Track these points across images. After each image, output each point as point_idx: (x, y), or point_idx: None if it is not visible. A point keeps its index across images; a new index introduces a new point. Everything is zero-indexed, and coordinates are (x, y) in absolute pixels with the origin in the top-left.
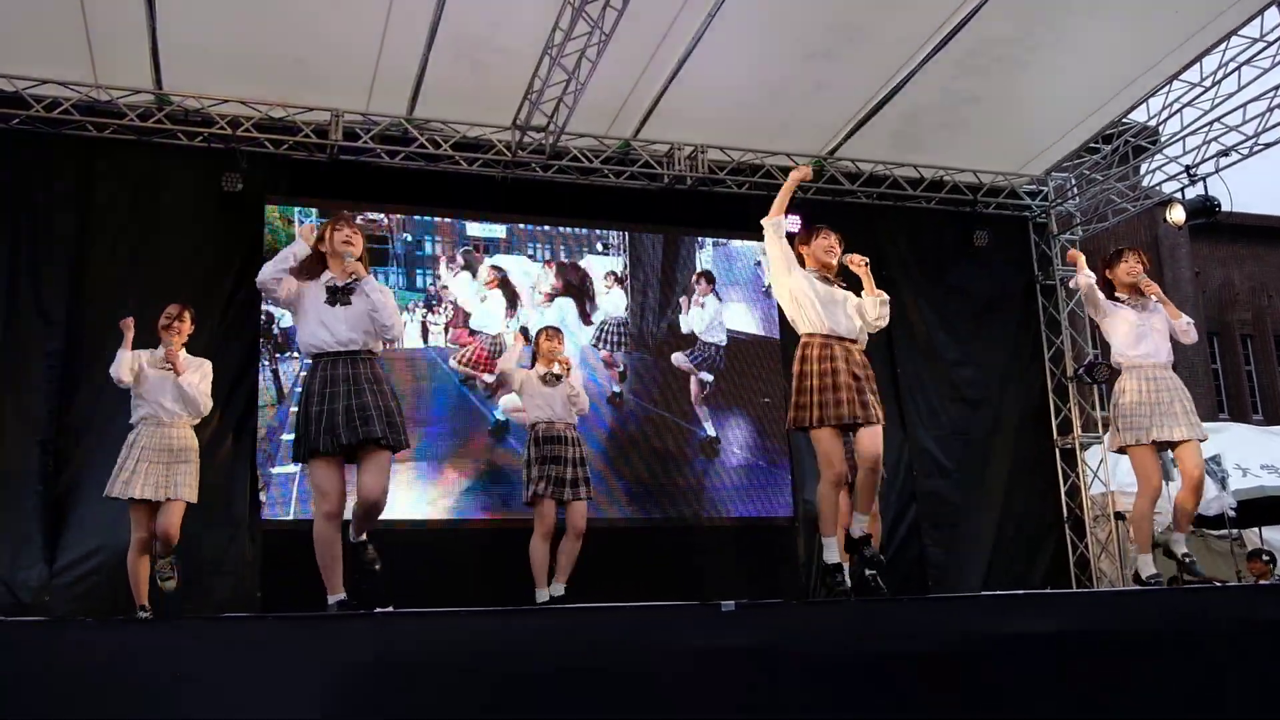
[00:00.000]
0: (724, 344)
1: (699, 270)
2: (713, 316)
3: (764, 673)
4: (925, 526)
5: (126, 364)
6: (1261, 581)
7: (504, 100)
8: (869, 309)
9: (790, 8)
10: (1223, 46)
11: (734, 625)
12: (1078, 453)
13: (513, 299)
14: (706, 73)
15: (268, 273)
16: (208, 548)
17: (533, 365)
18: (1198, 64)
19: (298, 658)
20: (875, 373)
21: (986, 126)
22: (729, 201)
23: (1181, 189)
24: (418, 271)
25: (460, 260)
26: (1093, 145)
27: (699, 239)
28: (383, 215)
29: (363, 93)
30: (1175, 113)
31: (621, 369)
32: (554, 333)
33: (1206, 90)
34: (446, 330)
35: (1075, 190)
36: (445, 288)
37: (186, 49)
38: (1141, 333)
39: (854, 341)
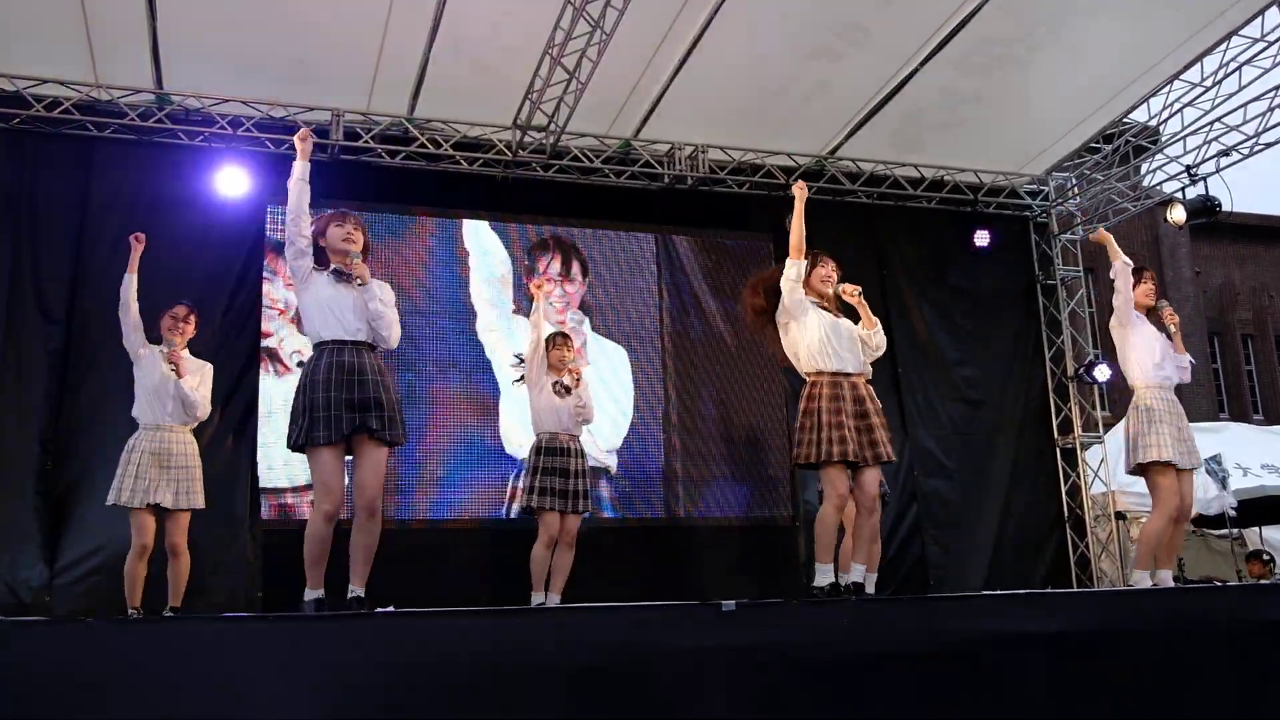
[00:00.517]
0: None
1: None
2: None
3: (765, 672)
4: (926, 526)
5: (132, 287)
6: (1262, 582)
7: (505, 100)
8: (869, 340)
9: (791, 7)
10: (1223, 46)
11: (735, 625)
12: (1078, 452)
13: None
14: (707, 72)
15: (299, 202)
16: (208, 548)
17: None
18: (1198, 64)
19: (298, 658)
20: (877, 373)
21: (987, 126)
22: (730, 201)
23: (1182, 189)
24: None
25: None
26: (1093, 145)
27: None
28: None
29: (363, 92)
30: (1176, 112)
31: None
32: (564, 340)
33: (1207, 90)
34: None
35: (1076, 190)
36: None
37: (187, 48)
38: (1164, 354)
39: (860, 375)
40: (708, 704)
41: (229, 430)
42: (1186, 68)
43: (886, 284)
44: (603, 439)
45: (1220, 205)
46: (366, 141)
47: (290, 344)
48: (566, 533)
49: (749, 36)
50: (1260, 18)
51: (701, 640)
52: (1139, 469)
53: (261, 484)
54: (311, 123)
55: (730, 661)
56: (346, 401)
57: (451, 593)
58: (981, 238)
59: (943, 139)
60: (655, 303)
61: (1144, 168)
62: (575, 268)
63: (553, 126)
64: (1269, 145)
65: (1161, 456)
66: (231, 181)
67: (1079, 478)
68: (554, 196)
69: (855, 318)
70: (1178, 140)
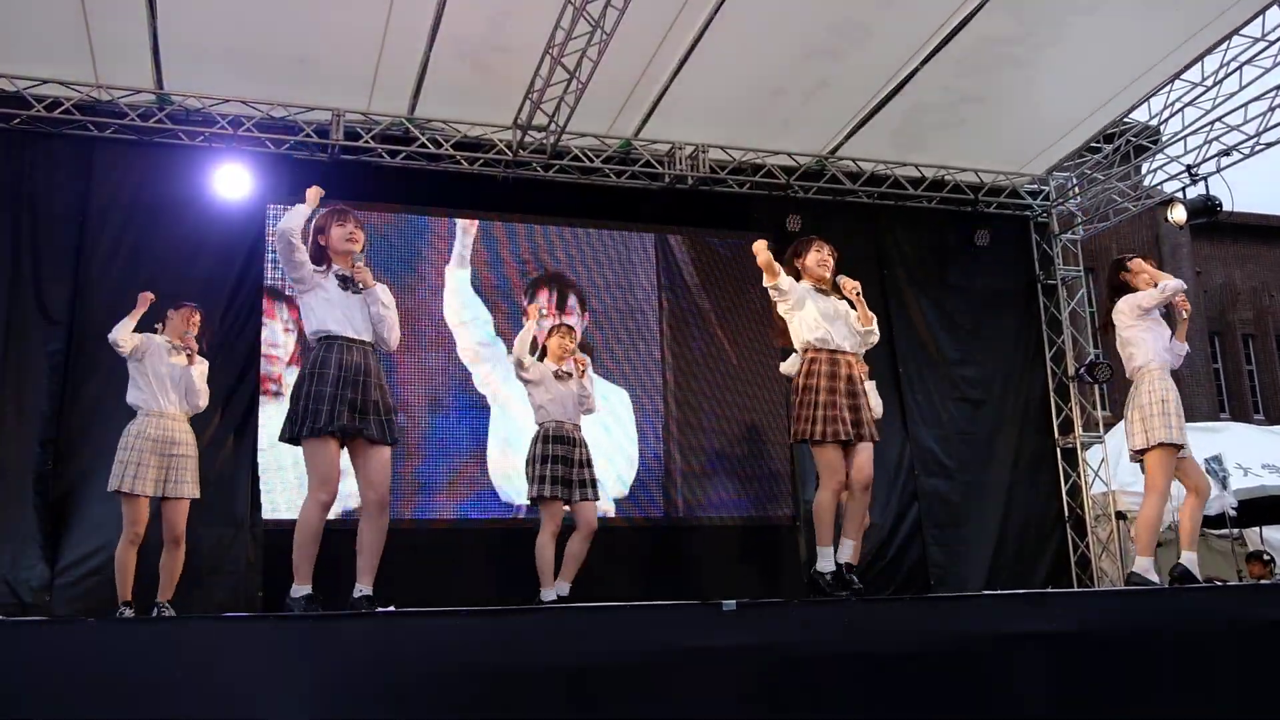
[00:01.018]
0: None
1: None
2: None
3: (765, 672)
4: (927, 526)
5: (128, 330)
6: (1262, 582)
7: (505, 100)
8: (863, 336)
9: (791, 7)
10: (1224, 46)
11: (735, 624)
12: (1079, 452)
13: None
14: (707, 72)
15: (294, 222)
16: (209, 547)
17: (541, 359)
18: (1199, 63)
19: (299, 658)
20: (877, 372)
21: (988, 126)
22: (730, 201)
23: (1183, 188)
24: None
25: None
26: (1094, 145)
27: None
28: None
29: (364, 92)
30: (1176, 112)
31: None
32: (567, 330)
33: (1208, 90)
34: None
35: (1076, 189)
36: None
37: (187, 48)
38: (1168, 340)
39: (854, 355)
40: (708, 703)
41: (229, 430)
42: (1187, 67)
43: (887, 283)
44: (609, 487)
45: (1221, 205)
46: (367, 141)
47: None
48: (586, 523)
49: (749, 36)
50: (1261, 17)
51: (702, 640)
52: (1141, 451)
53: (264, 514)
54: (312, 122)
55: (731, 661)
56: (350, 401)
57: (456, 593)
58: (982, 237)
59: (943, 138)
60: (655, 301)
61: (1145, 167)
62: (573, 302)
63: (553, 126)
64: (1270, 145)
65: (1165, 438)
66: (232, 181)
67: (1079, 477)
68: (554, 196)
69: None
70: (1178, 140)
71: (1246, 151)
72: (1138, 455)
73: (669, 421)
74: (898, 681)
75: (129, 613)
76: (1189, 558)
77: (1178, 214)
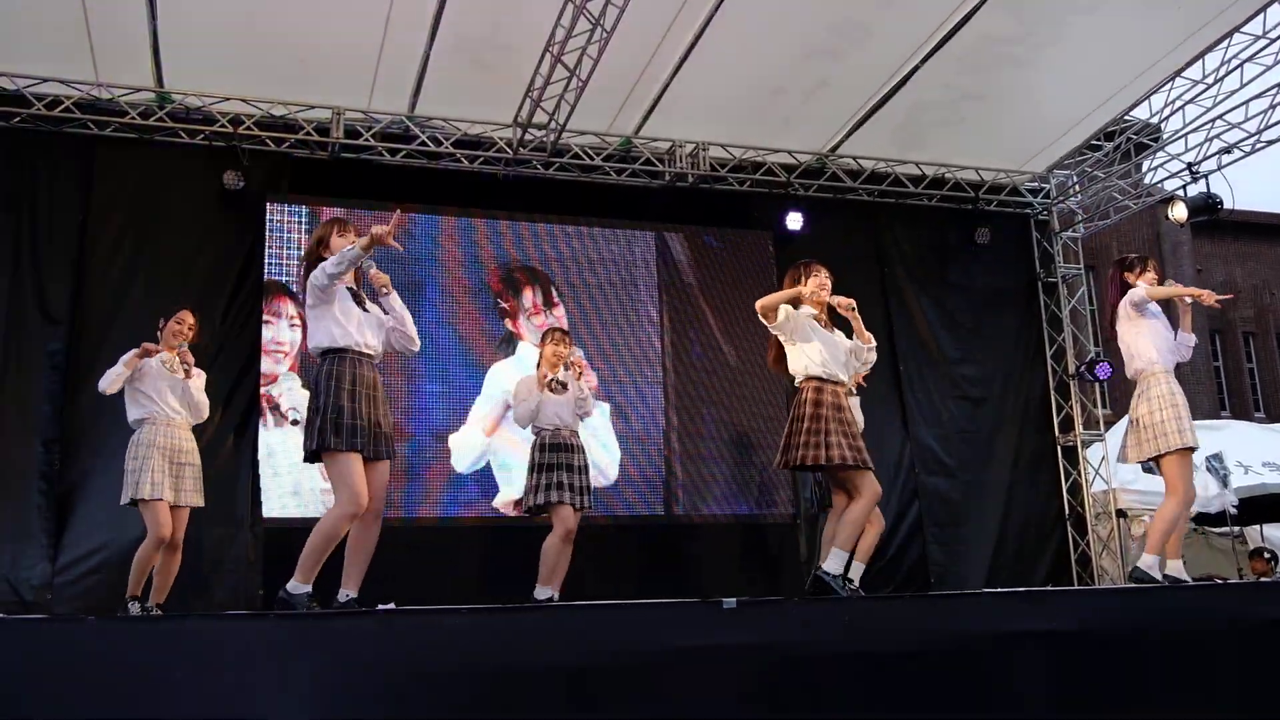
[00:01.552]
0: None
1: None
2: None
3: (765, 670)
4: (927, 524)
5: (119, 380)
6: (1263, 580)
7: (505, 98)
8: (860, 353)
9: (791, 6)
10: (1225, 43)
11: (736, 622)
12: (1079, 450)
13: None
14: (708, 70)
15: (333, 272)
16: (209, 546)
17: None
18: (1200, 61)
19: (300, 656)
20: (878, 371)
21: (988, 124)
22: (730, 199)
23: (1183, 186)
24: None
25: None
26: (1095, 142)
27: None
28: None
29: (364, 90)
30: (1177, 110)
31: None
32: (562, 335)
33: (1209, 87)
34: None
35: (1077, 187)
36: None
37: (187, 47)
38: (1173, 341)
39: (842, 385)
40: (709, 702)
41: (230, 429)
42: (1188, 65)
43: (887, 281)
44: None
45: (1222, 203)
46: (367, 140)
47: (292, 399)
48: (568, 526)
49: (750, 34)
50: (1262, 15)
51: (702, 638)
52: (1157, 456)
53: (264, 512)
54: (312, 120)
55: (731, 659)
56: (366, 417)
57: (449, 592)
58: (982, 235)
59: (944, 136)
60: (655, 299)
61: (1145, 165)
62: (552, 296)
63: (553, 124)
64: (1271, 143)
65: (1177, 445)
66: (232, 180)
67: (1080, 475)
68: (555, 194)
69: (847, 328)
70: (1179, 137)
71: (1247, 149)
72: (1149, 462)
73: (669, 419)
74: (898, 680)
75: (135, 607)
76: (1177, 565)
77: (1178, 212)
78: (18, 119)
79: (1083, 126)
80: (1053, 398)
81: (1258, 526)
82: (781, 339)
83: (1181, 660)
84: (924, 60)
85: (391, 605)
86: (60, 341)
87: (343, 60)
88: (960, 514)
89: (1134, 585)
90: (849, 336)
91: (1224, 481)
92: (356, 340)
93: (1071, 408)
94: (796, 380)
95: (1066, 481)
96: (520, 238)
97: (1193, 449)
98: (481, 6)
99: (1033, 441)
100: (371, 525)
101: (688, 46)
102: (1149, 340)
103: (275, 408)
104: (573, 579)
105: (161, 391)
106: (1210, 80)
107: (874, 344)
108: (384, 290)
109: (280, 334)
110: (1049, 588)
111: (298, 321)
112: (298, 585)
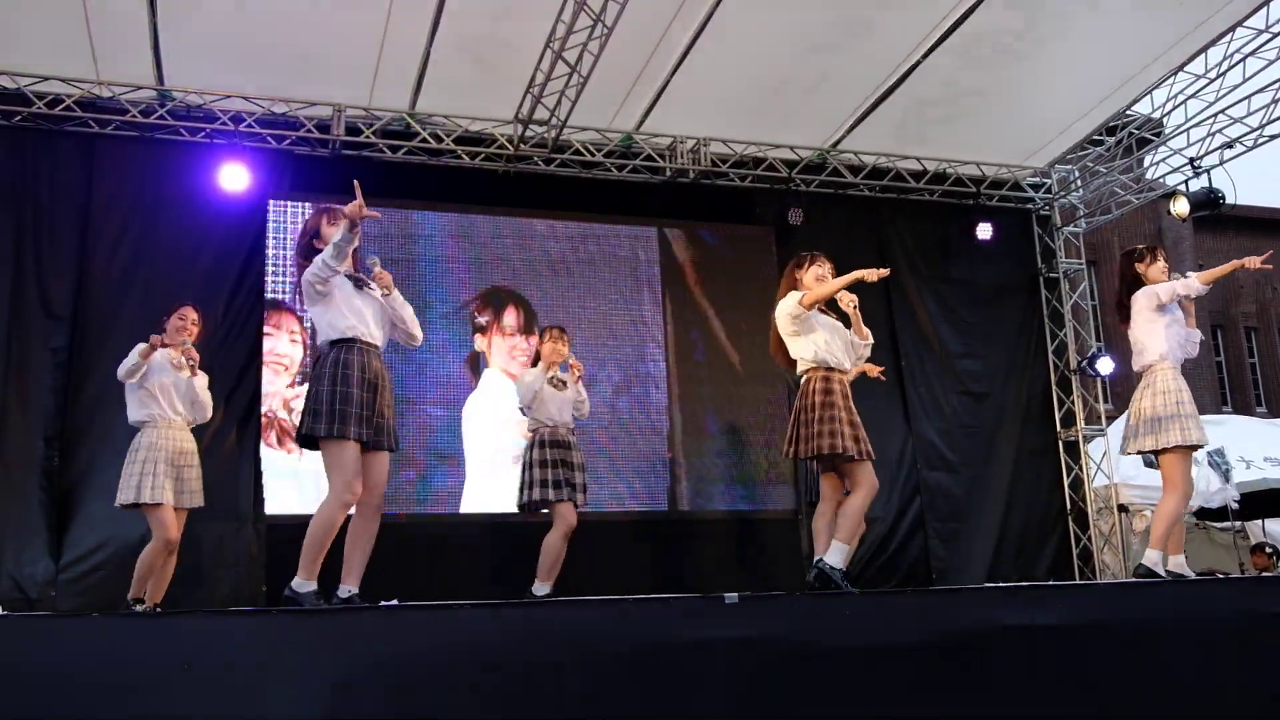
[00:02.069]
0: None
1: None
2: None
3: (768, 665)
4: (929, 519)
5: (136, 370)
6: (1264, 574)
7: (506, 94)
8: (856, 348)
9: (793, 1)
10: (1227, 38)
11: (738, 617)
12: (1081, 445)
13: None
14: (709, 65)
15: (331, 263)
16: (211, 542)
17: (534, 364)
18: (1202, 56)
19: (303, 652)
20: (879, 365)
21: (990, 119)
22: (732, 194)
23: (1185, 181)
24: None
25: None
26: (1096, 137)
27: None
28: None
29: (365, 87)
30: (1179, 105)
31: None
32: (559, 334)
33: (1211, 82)
34: None
35: (1079, 183)
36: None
37: (188, 45)
38: (1183, 336)
39: (845, 373)
40: (710, 696)
41: (231, 426)
42: (1190, 60)
43: (889, 277)
44: None
45: (1224, 198)
46: (368, 136)
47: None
48: (568, 521)
49: (751, 29)
50: (1264, 9)
51: (705, 633)
52: (1157, 451)
53: (267, 509)
54: (313, 117)
55: (733, 654)
56: (370, 407)
57: (446, 588)
58: (984, 230)
59: (945, 131)
60: (657, 295)
61: (1147, 160)
62: (525, 318)
63: (554, 120)
64: (1273, 137)
65: (1183, 440)
66: (233, 177)
67: (1081, 471)
68: (556, 190)
69: (846, 320)
70: (1181, 132)
71: (1249, 144)
72: (1148, 455)
73: (671, 413)
74: (900, 674)
75: (139, 610)
76: (1181, 561)
77: (1180, 207)
78: (19, 117)
79: (1084, 121)
80: (1054, 393)
81: (1259, 521)
82: (790, 329)
83: (1183, 654)
84: (925, 55)
85: (395, 601)
86: (62, 338)
87: (344, 57)
88: (962, 509)
89: (1135, 580)
90: (846, 328)
91: (1225, 476)
92: (362, 331)
93: (1073, 403)
94: (800, 368)
95: (1068, 476)
96: (521, 234)
97: (1195, 447)
98: (482, 3)
99: (1034, 436)
100: (371, 519)
101: (689, 42)
102: (1163, 335)
103: (285, 433)
104: (576, 574)
105: (165, 389)
106: (1212, 75)
107: (871, 340)
108: (385, 291)
109: (280, 346)
110: (1051, 583)
111: (298, 336)
112: (303, 582)
